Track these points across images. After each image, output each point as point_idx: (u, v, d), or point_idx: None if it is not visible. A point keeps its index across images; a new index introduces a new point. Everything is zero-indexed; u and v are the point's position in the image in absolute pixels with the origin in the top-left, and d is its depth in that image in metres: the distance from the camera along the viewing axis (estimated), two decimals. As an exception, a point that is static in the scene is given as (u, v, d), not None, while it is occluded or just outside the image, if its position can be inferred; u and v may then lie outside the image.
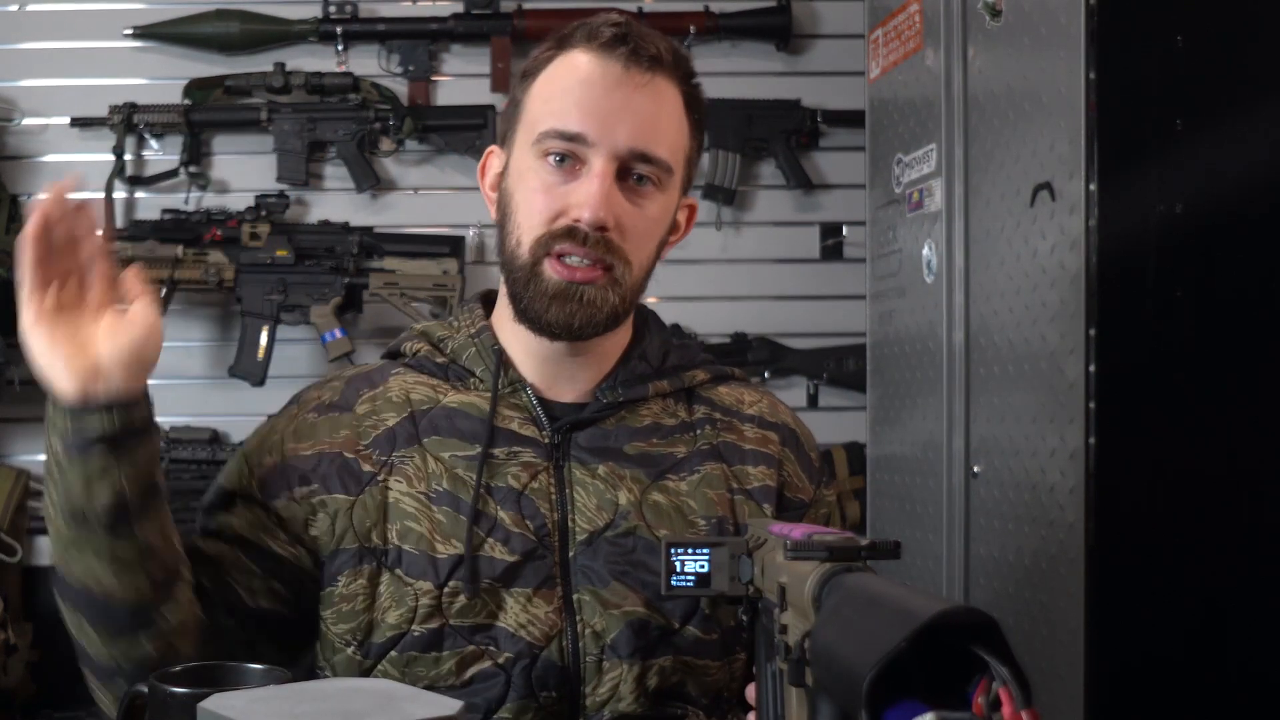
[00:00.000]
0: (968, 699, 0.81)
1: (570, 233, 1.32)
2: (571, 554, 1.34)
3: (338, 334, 3.13)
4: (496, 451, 1.36)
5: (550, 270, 1.34)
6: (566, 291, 1.34)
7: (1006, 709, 0.77)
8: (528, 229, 1.35)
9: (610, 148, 1.33)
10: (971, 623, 0.80)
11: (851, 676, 0.82)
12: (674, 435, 1.41)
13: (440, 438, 1.37)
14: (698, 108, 1.41)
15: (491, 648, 1.32)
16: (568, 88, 1.35)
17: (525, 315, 1.37)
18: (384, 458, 1.36)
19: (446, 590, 1.31)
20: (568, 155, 1.34)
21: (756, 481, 1.43)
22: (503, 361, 1.40)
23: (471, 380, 1.41)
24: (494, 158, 1.45)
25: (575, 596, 1.33)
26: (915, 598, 0.85)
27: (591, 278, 1.34)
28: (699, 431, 1.43)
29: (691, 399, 1.46)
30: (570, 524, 1.35)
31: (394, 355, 1.48)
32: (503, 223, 1.39)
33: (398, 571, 1.32)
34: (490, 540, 1.33)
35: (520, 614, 1.32)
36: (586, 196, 1.32)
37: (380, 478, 1.35)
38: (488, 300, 1.50)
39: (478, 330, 1.43)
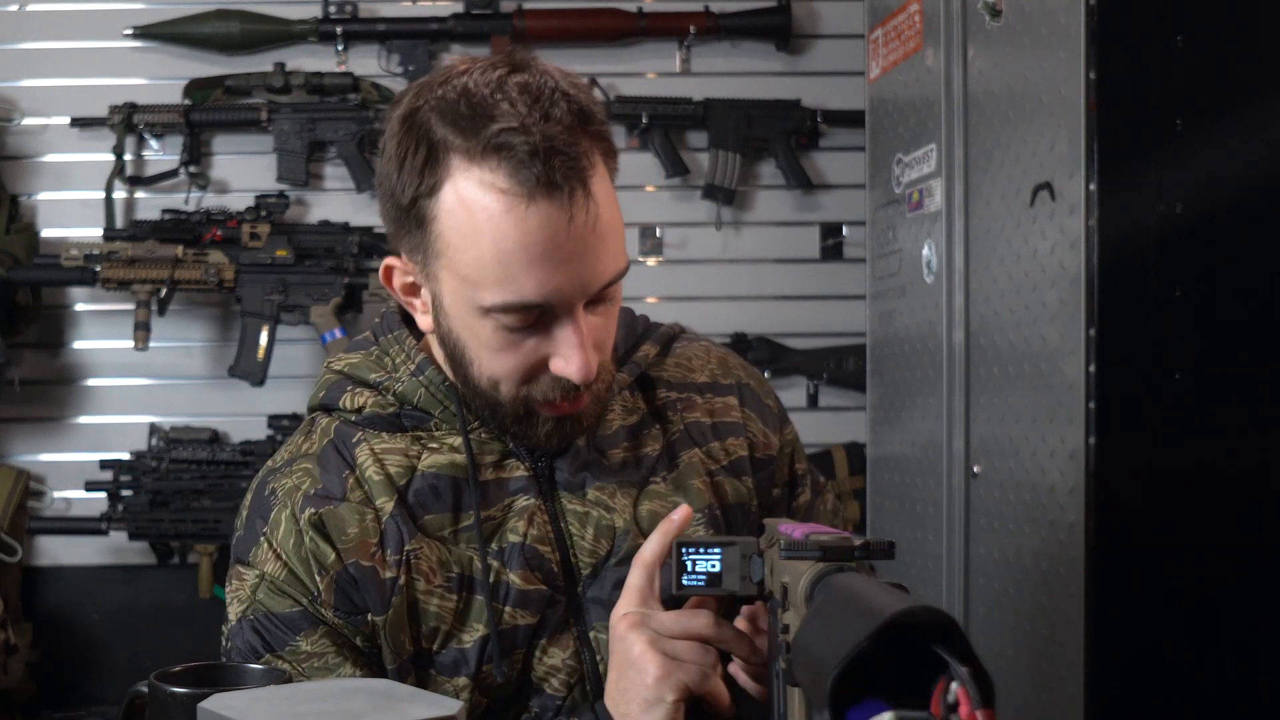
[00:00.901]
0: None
1: (556, 385, 1.23)
2: (579, 589, 1.30)
3: (338, 334, 3.13)
4: (493, 511, 1.29)
5: (543, 412, 1.25)
6: (562, 423, 1.26)
7: (964, 708, 0.78)
8: (505, 381, 1.24)
9: (581, 299, 1.20)
10: (933, 622, 0.81)
11: (820, 675, 0.83)
12: (643, 433, 1.35)
13: (434, 515, 1.28)
14: (610, 140, 1.23)
15: (528, 702, 1.29)
16: (505, 251, 1.16)
17: (515, 438, 1.29)
18: (397, 556, 1.26)
19: (482, 673, 1.27)
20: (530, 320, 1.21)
21: (730, 455, 1.38)
22: (460, 399, 1.29)
23: (431, 423, 1.30)
24: (399, 273, 1.28)
25: (591, 634, 1.29)
26: (884, 597, 0.85)
27: (584, 402, 1.26)
28: (666, 422, 1.37)
29: (645, 385, 1.39)
30: (573, 560, 1.30)
31: (326, 408, 1.34)
32: (456, 357, 1.26)
33: (431, 672, 1.28)
34: (508, 609, 1.27)
35: (538, 666, 1.29)
36: (569, 357, 1.21)
37: (401, 582, 1.26)
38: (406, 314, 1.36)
39: (418, 366, 1.31)
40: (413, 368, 1.31)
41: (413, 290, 1.28)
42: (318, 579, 1.25)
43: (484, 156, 1.15)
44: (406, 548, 1.26)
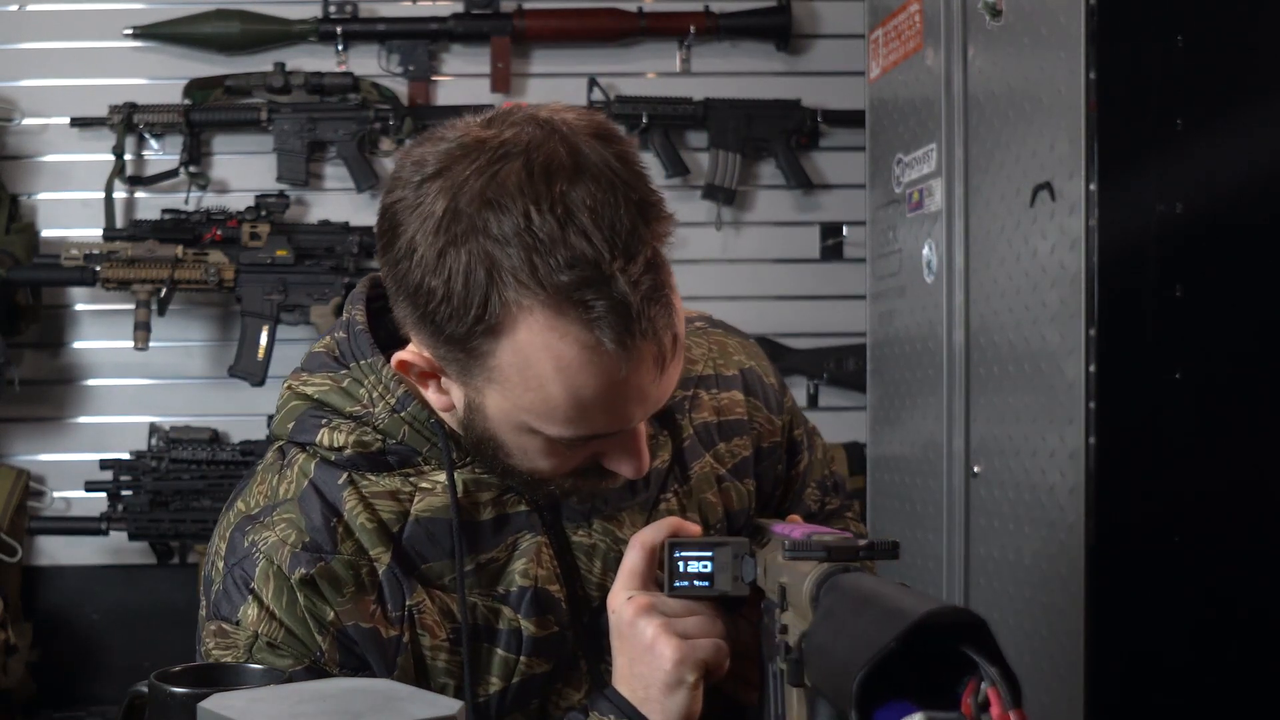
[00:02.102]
0: (959, 699, 0.81)
1: (607, 473, 1.16)
2: (585, 620, 1.23)
3: (338, 334, 3.13)
4: (495, 553, 1.20)
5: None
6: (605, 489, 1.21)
7: (995, 709, 0.77)
8: (551, 473, 1.15)
9: (649, 415, 1.14)
10: (961, 623, 0.80)
11: (843, 676, 0.82)
12: (651, 443, 1.23)
13: (432, 564, 1.19)
14: (665, 212, 1.08)
15: None
16: (583, 399, 1.05)
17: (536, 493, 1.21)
18: (399, 612, 1.17)
19: None
20: None
21: (735, 458, 1.31)
22: (447, 435, 1.18)
23: (417, 460, 1.19)
24: (414, 372, 1.15)
25: (601, 668, 1.22)
26: (906, 598, 0.85)
27: None
28: (674, 426, 1.28)
29: None
30: (580, 593, 1.23)
31: (299, 442, 1.22)
32: (489, 449, 1.15)
33: None
34: (524, 659, 1.21)
35: (554, 711, 1.23)
36: (627, 461, 1.14)
37: (405, 640, 1.18)
38: (361, 310, 1.23)
39: (399, 401, 1.18)
40: (393, 402, 1.18)
41: (430, 376, 1.15)
42: (318, 638, 1.16)
43: (560, 308, 1.01)
44: (408, 603, 1.17)
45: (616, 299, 1.01)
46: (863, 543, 1.00)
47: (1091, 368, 1.92)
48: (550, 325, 1.02)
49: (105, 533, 3.17)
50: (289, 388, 1.23)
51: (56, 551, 3.30)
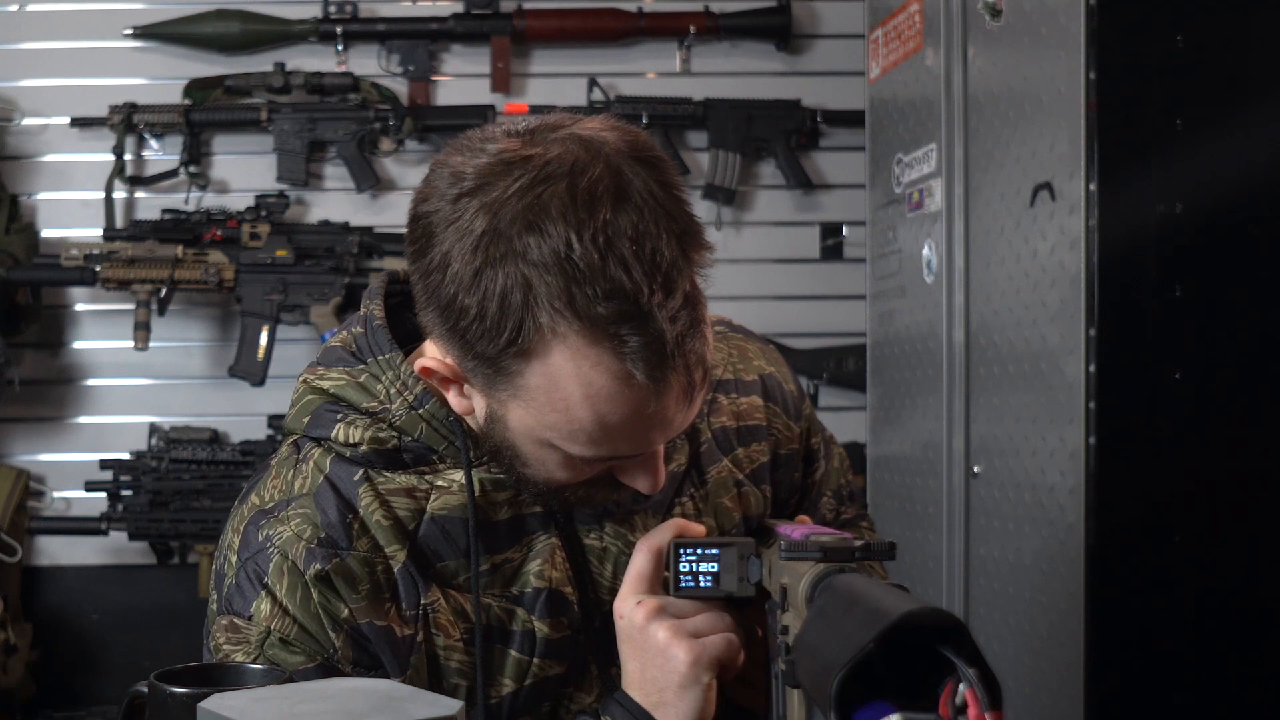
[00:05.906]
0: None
1: (621, 486, 1.16)
2: (597, 624, 1.22)
3: (338, 334, 3.13)
4: (510, 553, 1.20)
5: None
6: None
7: (972, 710, 0.78)
8: (566, 483, 1.15)
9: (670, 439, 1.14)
10: (941, 624, 0.81)
11: (826, 676, 0.83)
12: (668, 447, 1.21)
13: (448, 563, 1.18)
14: (703, 238, 1.07)
15: None
16: (610, 424, 1.06)
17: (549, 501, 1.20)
18: (413, 611, 1.17)
19: None
20: None
21: (753, 463, 1.31)
22: (466, 434, 1.17)
23: (432, 458, 1.18)
24: (436, 377, 1.15)
25: (612, 671, 1.21)
26: (889, 599, 0.85)
27: None
28: (692, 429, 1.26)
29: None
30: (591, 596, 1.22)
31: (314, 437, 1.21)
32: (506, 458, 1.15)
33: None
34: (537, 660, 1.20)
35: (564, 714, 1.23)
36: (643, 478, 1.14)
37: (419, 639, 1.17)
38: (379, 305, 1.22)
39: (417, 398, 1.17)
40: (411, 399, 1.17)
41: (452, 382, 1.14)
42: (332, 635, 1.15)
43: (595, 338, 1.01)
44: (423, 602, 1.17)
45: (652, 335, 1.01)
46: (859, 543, 1.01)
47: (1091, 368, 1.92)
48: (583, 353, 1.02)
49: (105, 533, 3.17)
50: (304, 381, 1.22)
51: (56, 551, 3.30)
